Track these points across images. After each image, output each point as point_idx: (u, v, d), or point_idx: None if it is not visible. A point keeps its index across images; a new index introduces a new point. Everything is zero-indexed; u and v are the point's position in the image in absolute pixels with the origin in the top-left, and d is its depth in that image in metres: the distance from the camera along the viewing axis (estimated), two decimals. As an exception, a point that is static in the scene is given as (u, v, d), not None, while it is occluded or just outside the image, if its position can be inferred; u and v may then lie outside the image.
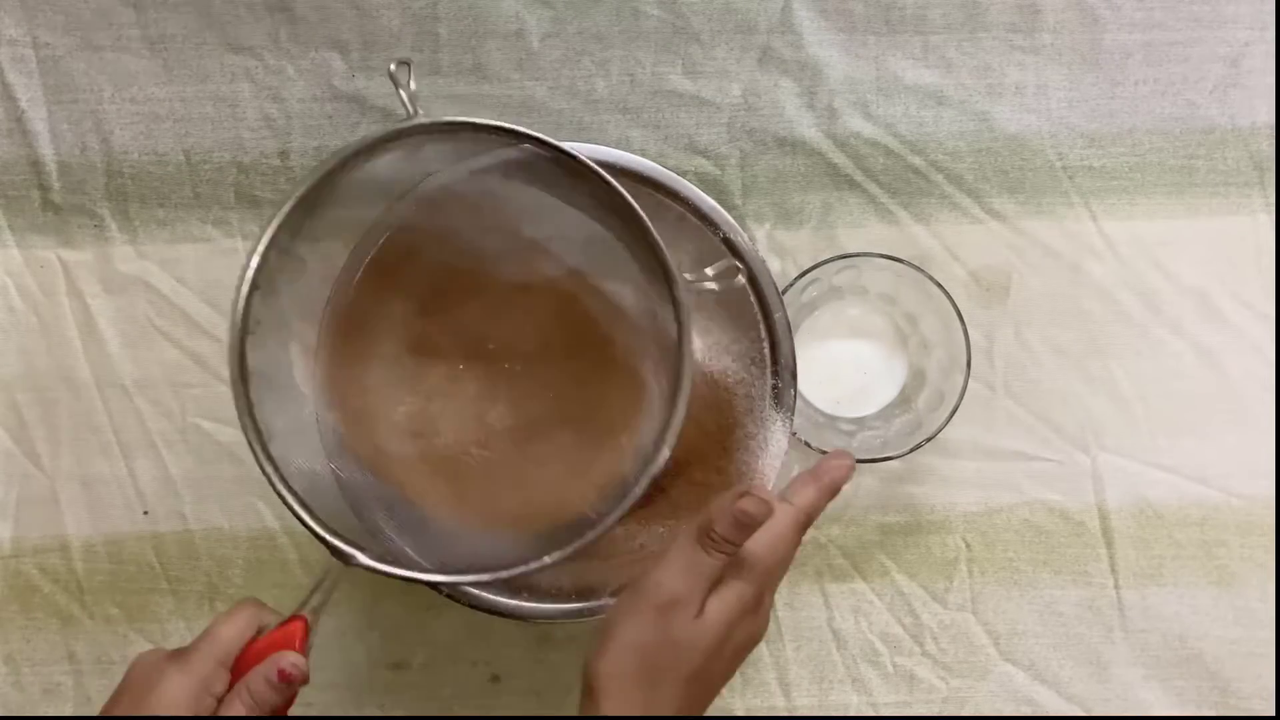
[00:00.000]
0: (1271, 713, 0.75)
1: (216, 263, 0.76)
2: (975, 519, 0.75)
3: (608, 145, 0.75)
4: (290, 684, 0.55)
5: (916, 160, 0.75)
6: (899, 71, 0.75)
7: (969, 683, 0.75)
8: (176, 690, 0.54)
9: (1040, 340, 0.76)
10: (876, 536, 0.75)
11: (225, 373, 0.76)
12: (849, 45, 0.75)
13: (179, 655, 0.56)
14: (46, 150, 0.76)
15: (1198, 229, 0.76)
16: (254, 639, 0.58)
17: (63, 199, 0.76)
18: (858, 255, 0.71)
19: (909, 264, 0.70)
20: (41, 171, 0.76)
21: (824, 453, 0.70)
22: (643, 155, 0.75)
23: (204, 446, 0.76)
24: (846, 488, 0.74)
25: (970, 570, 0.75)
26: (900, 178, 0.76)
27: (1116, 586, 0.75)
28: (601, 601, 0.67)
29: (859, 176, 0.75)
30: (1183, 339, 0.75)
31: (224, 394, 0.76)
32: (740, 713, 0.75)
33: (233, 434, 0.76)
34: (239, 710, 0.55)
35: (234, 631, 0.57)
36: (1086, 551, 0.75)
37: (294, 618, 0.58)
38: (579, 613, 0.67)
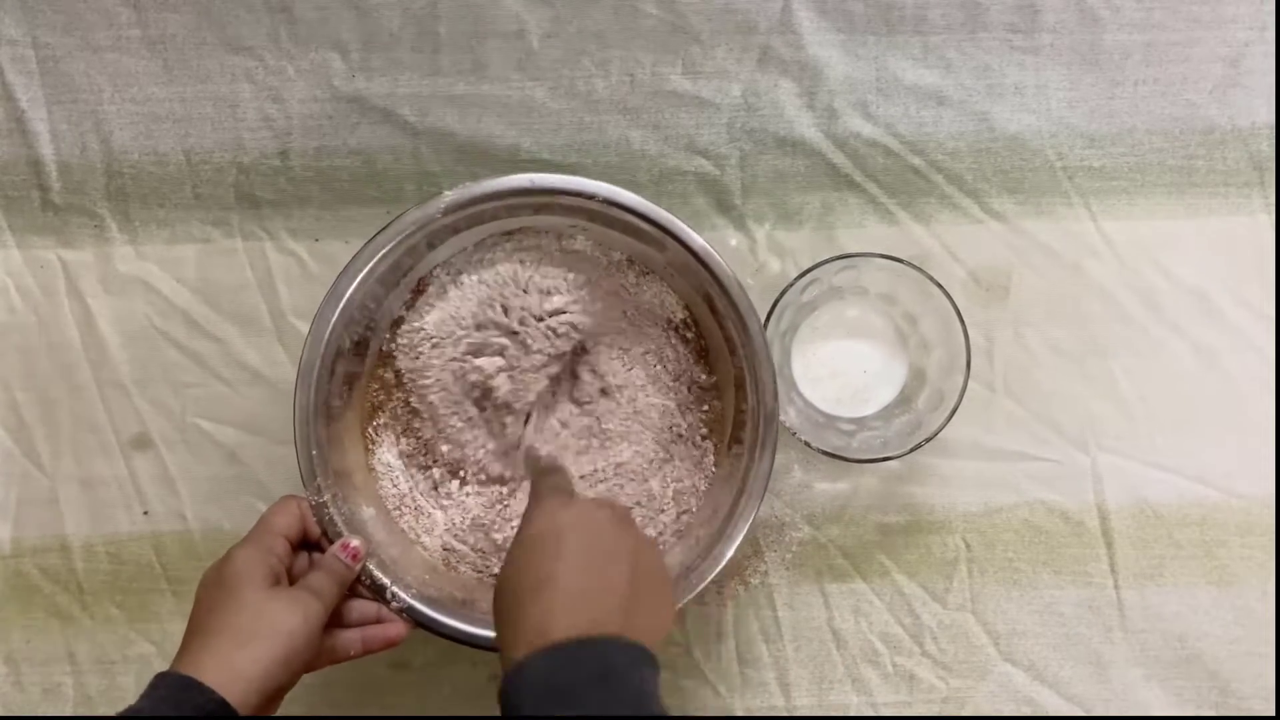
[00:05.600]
0: (1271, 713, 0.75)
1: (216, 263, 0.76)
2: (975, 519, 0.75)
3: (607, 146, 0.75)
4: (356, 559, 0.65)
5: (916, 160, 0.75)
6: (899, 72, 0.75)
7: (969, 683, 0.75)
8: (243, 558, 0.62)
9: (1040, 340, 0.76)
10: (876, 536, 0.75)
11: (225, 373, 0.76)
12: (849, 45, 0.75)
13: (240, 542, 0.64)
14: (46, 150, 0.76)
15: (1198, 229, 0.76)
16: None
17: (63, 199, 0.76)
18: (858, 255, 0.71)
19: (909, 264, 0.70)
20: (41, 171, 0.76)
21: (825, 453, 0.70)
22: (643, 156, 0.75)
23: (204, 446, 0.76)
24: (846, 487, 0.75)
25: (970, 570, 0.75)
26: (900, 178, 0.76)
27: (1116, 586, 0.75)
28: None
29: (859, 176, 0.75)
30: (1183, 339, 0.75)
31: (224, 394, 0.76)
32: (740, 713, 0.75)
33: (233, 434, 0.76)
34: (322, 577, 0.64)
35: (283, 518, 0.65)
36: (1086, 551, 0.75)
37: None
38: None
